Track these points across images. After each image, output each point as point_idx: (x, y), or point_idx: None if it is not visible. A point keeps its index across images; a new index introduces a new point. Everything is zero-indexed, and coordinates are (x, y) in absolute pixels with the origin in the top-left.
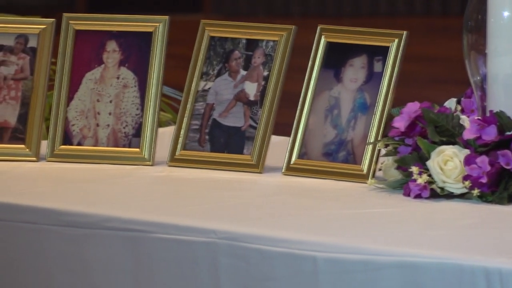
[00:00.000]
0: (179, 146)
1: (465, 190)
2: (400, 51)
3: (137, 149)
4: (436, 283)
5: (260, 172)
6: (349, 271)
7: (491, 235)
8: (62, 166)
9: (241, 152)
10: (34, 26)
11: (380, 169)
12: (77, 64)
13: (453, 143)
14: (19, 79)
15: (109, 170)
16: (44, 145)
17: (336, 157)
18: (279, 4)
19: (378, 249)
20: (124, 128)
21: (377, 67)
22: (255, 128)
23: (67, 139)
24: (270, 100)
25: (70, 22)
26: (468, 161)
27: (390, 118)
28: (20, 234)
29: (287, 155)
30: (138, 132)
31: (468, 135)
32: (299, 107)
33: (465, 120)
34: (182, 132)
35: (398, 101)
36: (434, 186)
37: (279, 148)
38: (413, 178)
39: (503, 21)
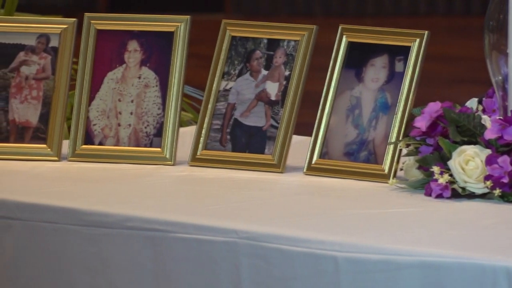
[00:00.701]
0: (200, 145)
1: (486, 190)
2: (421, 51)
3: (159, 149)
4: (457, 283)
5: (281, 172)
6: (370, 271)
7: None
8: (83, 166)
9: (262, 152)
10: (56, 25)
11: (401, 169)
12: (99, 63)
13: (475, 143)
14: (41, 78)
15: (130, 170)
16: (66, 145)
17: (357, 157)
18: (301, 3)
19: (399, 249)
20: (145, 127)
21: (398, 66)
22: (276, 128)
23: (88, 139)
24: (291, 99)
25: (92, 21)
26: (489, 161)
27: (412, 118)
28: (41, 233)
29: (308, 155)
30: (159, 131)
31: (489, 135)
32: (320, 107)
33: (486, 120)
34: (204, 131)
35: (420, 101)
36: (455, 186)
37: (301, 148)
38: (434, 178)
39: None
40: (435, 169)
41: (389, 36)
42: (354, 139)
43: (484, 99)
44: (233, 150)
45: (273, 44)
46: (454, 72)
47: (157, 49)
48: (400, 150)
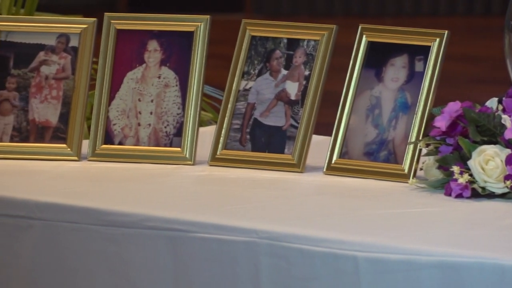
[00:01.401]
0: (220, 145)
1: (506, 190)
2: (441, 51)
3: (178, 149)
4: (477, 283)
5: (301, 172)
6: (390, 271)
7: None
8: (103, 166)
9: (282, 152)
10: (76, 25)
11: (421, 169)
12: (119, 63)
13: (495, 143)
14: (61, 78)
15: (150, 170)
16: (86, 145)
17: (377, 157)
18: (321, 3)
19: (419, 248)
20: (165, 127)
21: (418, 66)
22: (296, 127)
23: (108, 139)
24: (311, 99)
25: (112, 21)
26: (509, 160)
27: (431, 117)
28: (61, 233)
29: (328, 155)
30: (179, 131)
31: (509, 134)
32: (340, 107)
33: (506, 119)
34: (223, 131)
35: (439, 101)
36: (475, 185)
37: (320, 147)
38: (454, 177)
39: None
40: (455, 168)
41: (409, 36)
42: (374, 139)
43: (504, 98)
44: (253, 150)
45: (293, 44)
46: (474, 72)
47: (177, 49)
48: (420, 149)
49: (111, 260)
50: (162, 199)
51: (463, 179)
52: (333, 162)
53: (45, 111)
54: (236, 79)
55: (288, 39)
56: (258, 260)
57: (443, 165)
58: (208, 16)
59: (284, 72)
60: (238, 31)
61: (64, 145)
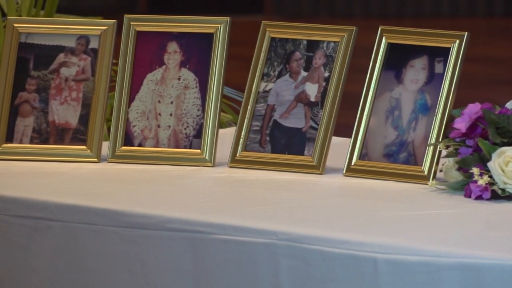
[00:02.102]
0: (240, 147)
1: None
2: (461, 52)
3: (198, 150)
4: (497, 284)
5: (321, 173)
6: (410, 272)
7: None
8: (123, 167)
9: (302, 153)
10: (96, 27)
11: (441, 170)
12: (138, 65)
13: None
14: (80, 80)
15: (169, 171)
16: (105, 146)
17: (397, 158)
18: (341, 5)
19: (439, 250)
20: (185, 129)
21: (438, 68)
22: (316, 129)
23: (128, 140)
24: (331, 101)
25: (132, 23)
26: None
27: (451, 119)
28: (81, 235)
29: (348, 156)
30: (199, 133)
31: None
32: (360, 108)
33: None
34: (243, 133)
35: (459, 102)
36: (495, 187)
37: (340, 149)
38: (474, 179)
39: None
40: (475, 170)
41: (429, 38)
42: (394, 140)
43: None
44: (273, 152)
45: (312, 46)
46: (494, 74)
47: (196, 51)
48: (440, 151)
49: (131, 262)
50: (181, 201)
51: (482, 181)
52: (352, 163)
53: (65, 112)
54: (256, 80)
55: (308, 40)
56: (277, 262)
57: (463, 167)
58: (228, 17)
59: (303, 73)
60: (258, 32)
61: (84, 147)
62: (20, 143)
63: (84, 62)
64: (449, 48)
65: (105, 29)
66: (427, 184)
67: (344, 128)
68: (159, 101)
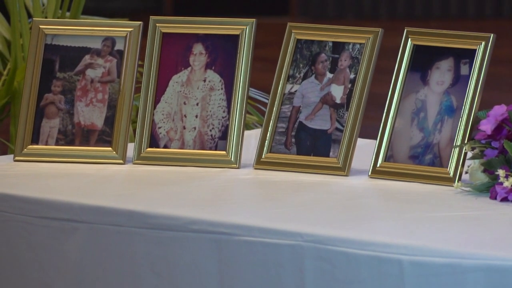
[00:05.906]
0: (265, 148)
1: None
2: (487, 54)
3: (224, 152)
4: None
5: (346, 175)
6: (435, 274)
7: None
8: (148, 169)
9: (327, 155)
10: (121, 29)
11: (466, 172)
12: (164, 66)
13: None
14: (106, 81)
15: (195, 173)
16: (131, 148)
17: (422, 160)
18: (367, 6)
19: (464, 252)
20: (210, 130)
21: (463, 69)
22: (341, 131)
23: (153, 142)
24: (356, 102)
25: (157, 24)
26: None
27: (477, 121)
28: (106, 236)
29: (373, 158)
30: (224, 134)
31: None
32: (385, 110)
33: None
34: (269, 135)
35: (485, 104)
36: None
37: (365, 151)
38: (499, 181)
39: None
40: (500, 172)
41: (455, 39)
42: (419, 142)
43: None
44: (298, 153)
45: (338, 47)
46: None
47: (222, 52)
48: (465, 153)
49: (156, 263)
50: (207, 202)
51: (508, 183)
52: (378, 165)
53: (91, 114)
54: (281, 82)
55: (334, 42)
56: (303, 264)
57: (489, 169)
58: (254, 19)
59: (329, 75)
60: (283, 34)
61: (109, 148)
62: (46, 144)
63: (110, 63)
64: (475, 49)
65: (131, 31)
66: (452, 186)
67: (369, 129)
68: (184, 103)
